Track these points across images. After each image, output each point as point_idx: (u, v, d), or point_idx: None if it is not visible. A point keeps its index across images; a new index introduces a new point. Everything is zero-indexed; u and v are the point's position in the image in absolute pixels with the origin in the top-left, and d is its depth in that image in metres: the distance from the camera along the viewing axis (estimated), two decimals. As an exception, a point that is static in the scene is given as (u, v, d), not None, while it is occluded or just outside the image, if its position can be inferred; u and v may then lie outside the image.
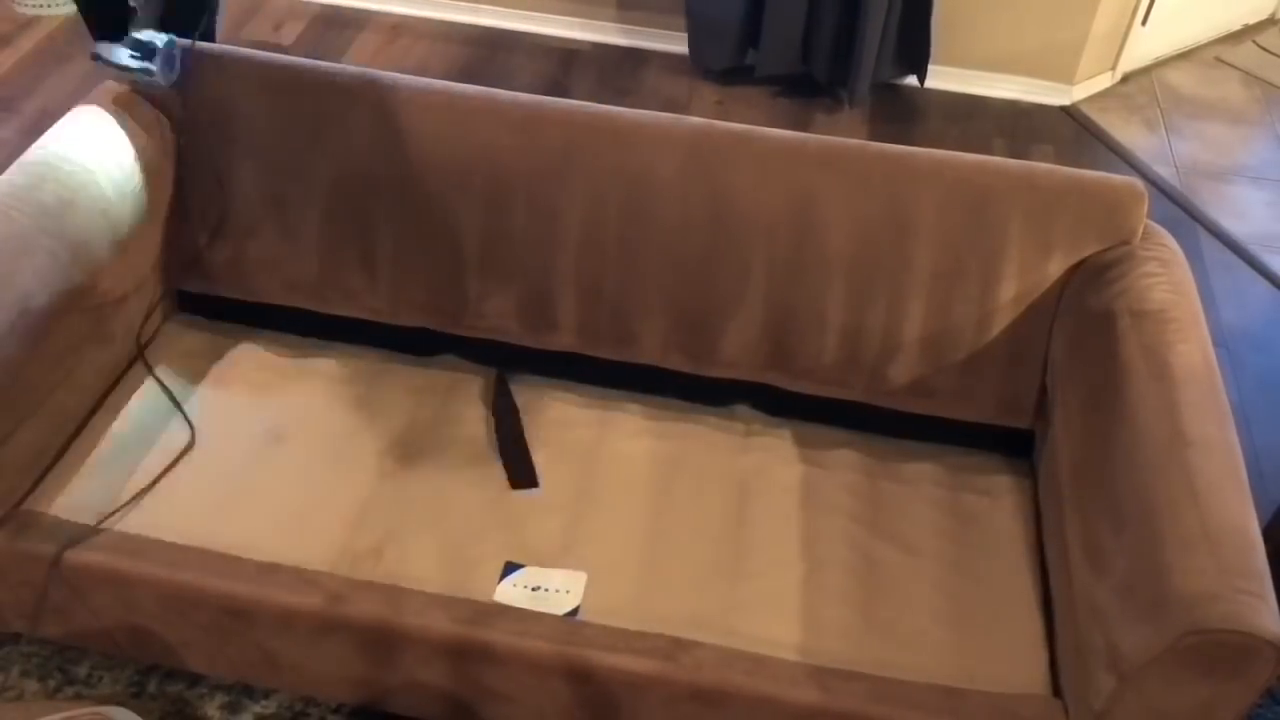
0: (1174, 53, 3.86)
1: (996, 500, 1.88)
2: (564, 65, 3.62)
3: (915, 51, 3.43)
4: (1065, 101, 3.59)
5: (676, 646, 1.60)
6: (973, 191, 1.82)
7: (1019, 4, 3.39)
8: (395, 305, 2.03)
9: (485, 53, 3.65)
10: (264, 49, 2.09)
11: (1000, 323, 1.87)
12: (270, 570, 1.66)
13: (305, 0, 3.82)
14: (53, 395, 1.78)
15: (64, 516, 1.73)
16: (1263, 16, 4.06)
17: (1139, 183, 1.83)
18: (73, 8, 3.66)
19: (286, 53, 2.32)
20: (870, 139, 3.21)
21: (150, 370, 1.97)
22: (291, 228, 2.00)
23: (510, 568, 1.73)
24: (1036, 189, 1.82)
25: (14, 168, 1.86)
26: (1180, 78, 3.78)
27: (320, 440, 1.88)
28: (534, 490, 1.85)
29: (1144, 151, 3.42)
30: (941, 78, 3.58)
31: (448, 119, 1.90)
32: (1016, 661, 1.64)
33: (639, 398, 2.03)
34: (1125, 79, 3.72)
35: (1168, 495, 1.47)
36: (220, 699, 1.89)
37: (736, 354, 1.96)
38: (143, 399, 1.93)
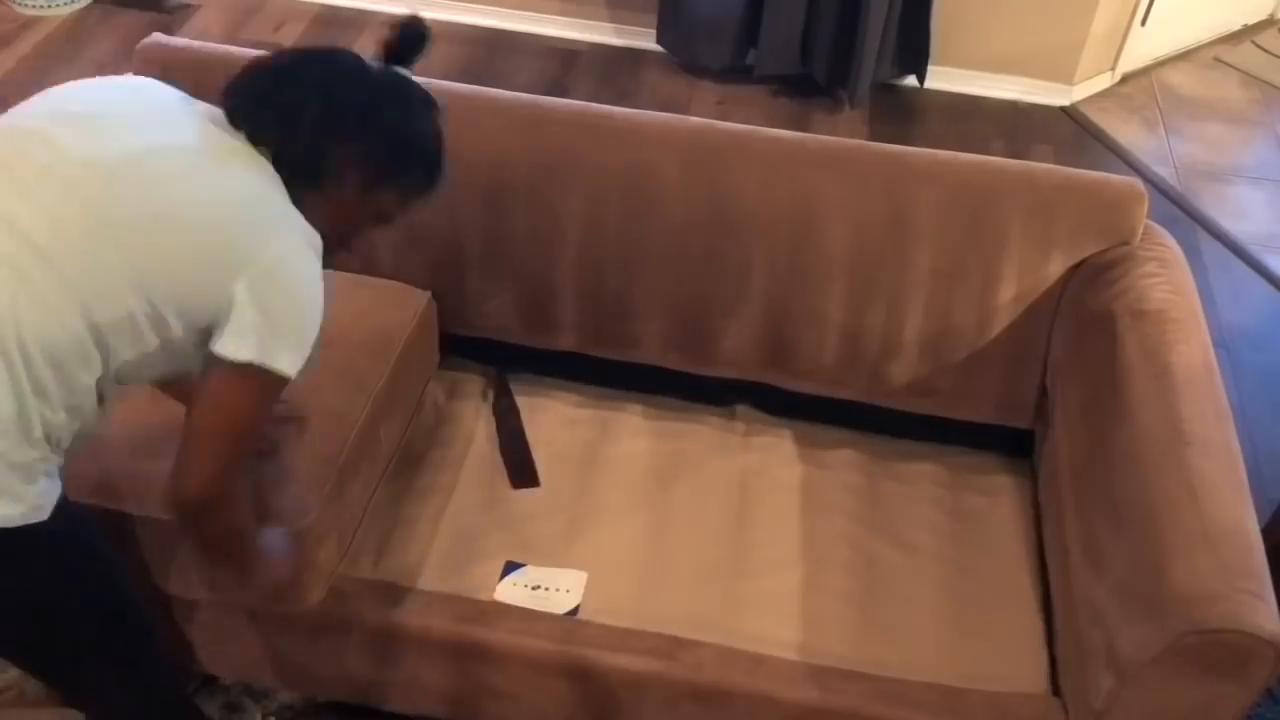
0: (1173, 53, 3.86)
1: (996, 500, 1.88)
2: (564, 65, 3.62)
3: (915, 52, 3.43)
4: (1065, 102, 3.60)
5: (676, 646, 1.61)
6: (973, 191, 1.82)
7: (1019, 4, 3.39)
8: (395, 305, 2.03)
9: (485, 53, 3.65)
10: (264, 50, 2.09)
11: (1000, 323, 1.87)
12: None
13: (305, 0, 3.82)
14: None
15: None
16: (1262, 17, 4.06)
17: (1139, 183, 1.84)
18: (73, 7, 3.67)
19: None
20: (870, 139, 3.21)
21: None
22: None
23: (510, 567, 1.73)
24: (1036, 189, 1.82)
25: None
26: (1179, 78, 3.78)
27: (320, 440, 1.88)
28: (535, 489, 1.85)
29: (1143, 152, 3.42)
30: (941, 78, 3.58)
31: (449, 119, 1.90)
32: (1016, 661, 1.64)
33: (639, 397, 2.03)
34: (1125, 79, 3.72)
35: (1168, 495, 1.47)
36: (220, 699, 1.89)
37: (736, 354, 1.96)
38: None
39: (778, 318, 1.92)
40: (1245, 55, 3.90)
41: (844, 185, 1.84)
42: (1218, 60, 3.87)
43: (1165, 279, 1.77)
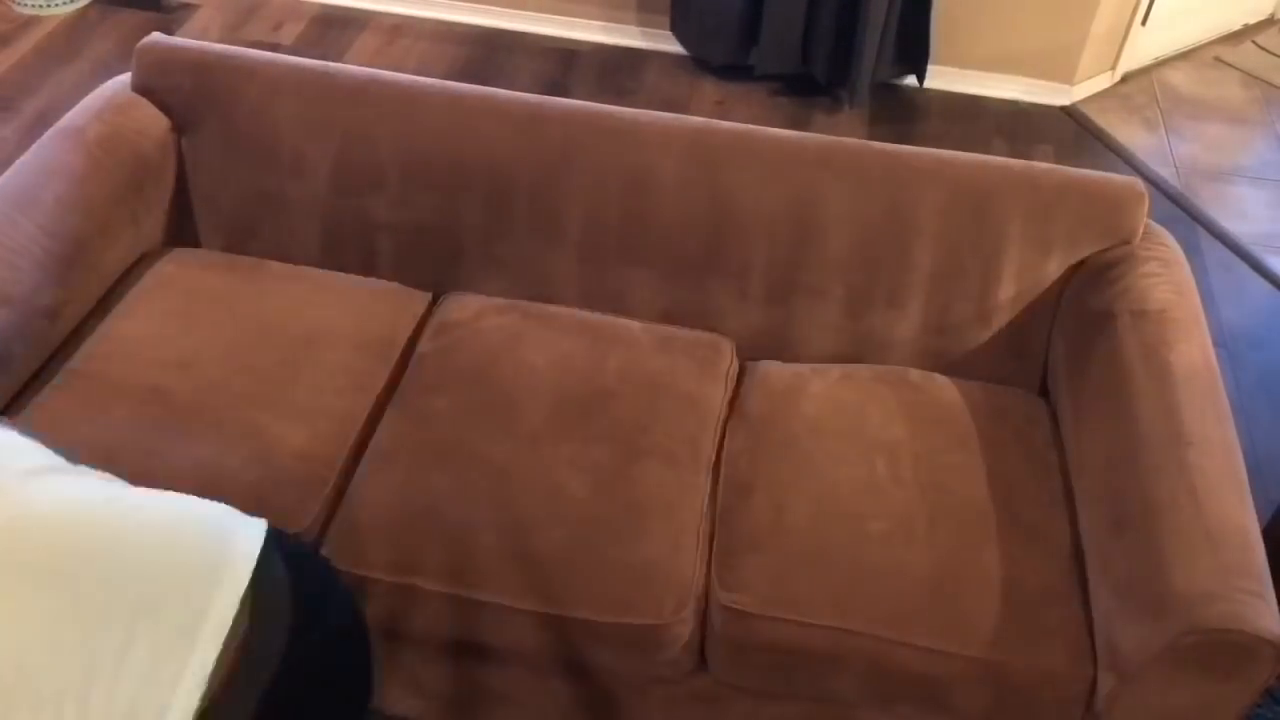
0: (1174, 53, 3.86)
1: (996, 500, 1.88)
2: (564, 65, 3.61)
3: (915, 51, 3.43)
4: (1065, 101, 3.59)
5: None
6: (973, 191, 1.82)
7: (1019, 4, 3.39)
8: (395, 305, 2.03)
9: (485, 53, 3.65)
10: (264, 49, 2.09)
11: (1000, 322, 1.87)
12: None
13: (305, 0, 3.82)
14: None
15: None
16: (1263, 16, 4.06)
17: (1139, 183, 1.83)
18: (72, 7, 3.67)
19: (286, 53, 2.32)
20: (870, 139, 3.21)
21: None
22: (292, 226, 2.00)
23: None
24: (1036, 189, 1.82)
25: (14, 168, 1.86)
26: (1180, 78, 3.78)
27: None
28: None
29: (1144, 151, 3.42)
30: (941, 78, 3.57)
31: (448, 118, 1.90)
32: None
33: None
34: (1125, 79, 3.72)
35: (1168, 495, 1.47)
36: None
37: (737, 353, 1.96)
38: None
39: (777, 317, 1.92)
40: (1246, 55, 3.90)
41: (844, 185, 1.84)
42: (1218, 60, 3.87)
43: (1166, 279, 1.77)
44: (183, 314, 1.86)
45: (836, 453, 1.71)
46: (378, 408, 1.76)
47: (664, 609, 1.52)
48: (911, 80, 3.57)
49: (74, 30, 3.61)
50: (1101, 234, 1.82)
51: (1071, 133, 3.49)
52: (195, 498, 1.07)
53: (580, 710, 1.71)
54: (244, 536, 1.04)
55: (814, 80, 3.50)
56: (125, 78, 2.01)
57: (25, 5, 3.66)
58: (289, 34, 3.66)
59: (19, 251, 1.75)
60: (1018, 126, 3.49)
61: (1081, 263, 1.84)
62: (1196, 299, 1.78)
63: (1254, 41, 3.96)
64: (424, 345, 1.85)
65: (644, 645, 1.54)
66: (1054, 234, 1.82)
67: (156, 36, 2.01)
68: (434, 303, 1.97)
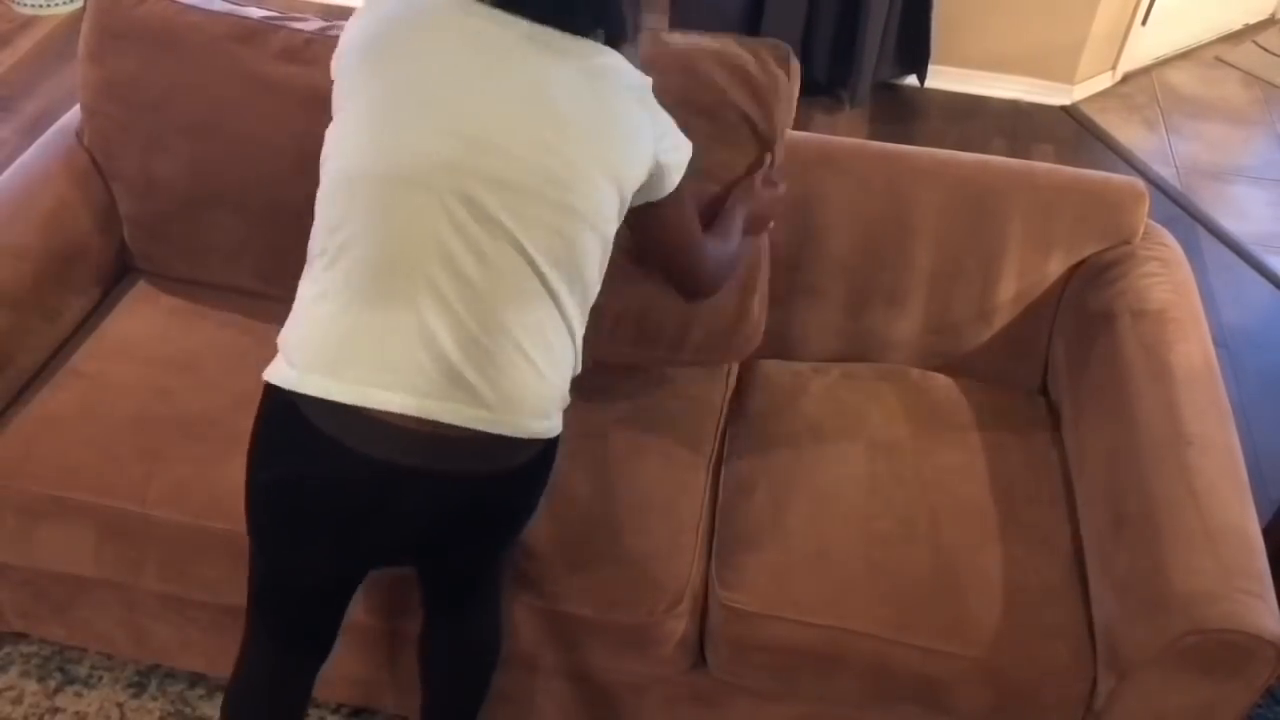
0: (1174, 53, 3.86)
1: (997, 500, 1.88)
2: (564, 65, 3.61)
3: (915, 51, 3.43)
4: (1065, 101, 3.59)
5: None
6: (973, 191, 1.82)
7: (1019, 4, 3.39)
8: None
9: (485, 52, 3.64)
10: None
11: (1000, 322, 1.87)
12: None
13: (305, 0, 3.82)
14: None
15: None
16: (1263, 16, 4.06)
17: (1140, 183, 1.83)
18: (72, 7, 3.66)
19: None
20: (871, 139, 3.21)
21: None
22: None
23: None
24: (1037, 189, 1.82)
25: (14, 167, 1.87)
26: (1180, 78, 3.78)
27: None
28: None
29: (1144, 151, 3.42)
30: (941, 78, 3.57)
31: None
32: (1016, 661, 1.64)
33: (639, 397, 2.02)
34: (1125, 79, 3.72)
35: (1168, 495, 1.47)
36: (220, 699, 1.89)
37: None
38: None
39: (777, 317, 1.92)
40: (1246, 55, 3.90)
41: (844, 185, 1.84)
42: (1218, 60, 3.87)
43: (1166, 279, 1.77)
44: (183, 314, 1.86)
45: (837, 452, 1.71)
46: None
47: (657, 606, 1.52)
48: (912, 80, 3.57)
49: (74, 30, 3.60)
50: (1102, 234, 1.82)
51: (1071, 133, 3.49)
52: None
53: (580, 710, 1.71)
54: None
55: (814, 80, 3.50)
56: (125, 77, 2.01)
57: (25, 5, 3.66)
58: (289, 34, 3.65)
59: (19, 251, 1.75)
60: (1018, 126, 3.49)
61: (1081, 263, 1.83)
62: (1196, 299, 1.78)
63: (1254, 41, 3.96)
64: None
65: (637, 641, 1.54)
66: (1054, 234, 1.82)
67: None
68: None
